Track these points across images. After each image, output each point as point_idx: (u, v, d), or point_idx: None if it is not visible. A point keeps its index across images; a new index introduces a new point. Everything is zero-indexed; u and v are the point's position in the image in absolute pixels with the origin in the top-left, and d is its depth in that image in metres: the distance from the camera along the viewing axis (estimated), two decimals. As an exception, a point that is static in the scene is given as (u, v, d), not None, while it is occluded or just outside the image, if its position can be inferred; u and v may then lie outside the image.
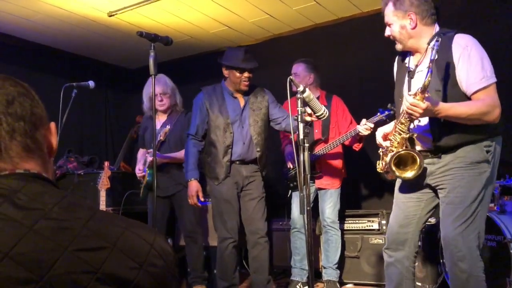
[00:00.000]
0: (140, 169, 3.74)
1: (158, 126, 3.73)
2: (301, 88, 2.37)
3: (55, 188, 0.86)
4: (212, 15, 4.62)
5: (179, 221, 3.94)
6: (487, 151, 2.18)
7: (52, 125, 0.95)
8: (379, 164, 2.43)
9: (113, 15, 4.49)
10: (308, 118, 2.53)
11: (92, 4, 4.29)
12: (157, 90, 3.67)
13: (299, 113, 2.33)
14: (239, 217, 3.30)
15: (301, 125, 2.31)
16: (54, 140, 0.95)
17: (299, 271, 3.81)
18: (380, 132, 2.49)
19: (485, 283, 2.18)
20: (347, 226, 3.99)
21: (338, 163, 3.84)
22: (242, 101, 3.34)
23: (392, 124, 2.49)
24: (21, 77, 0.93)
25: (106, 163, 3.82)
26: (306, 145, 2.30)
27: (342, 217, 3.93)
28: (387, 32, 2.36)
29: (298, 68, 3.84)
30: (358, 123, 3.47)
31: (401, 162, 2.27)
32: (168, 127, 3.69)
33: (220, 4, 4.35)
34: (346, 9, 4.55)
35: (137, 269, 0.78)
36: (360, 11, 4.60)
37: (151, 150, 3.58)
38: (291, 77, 2.40)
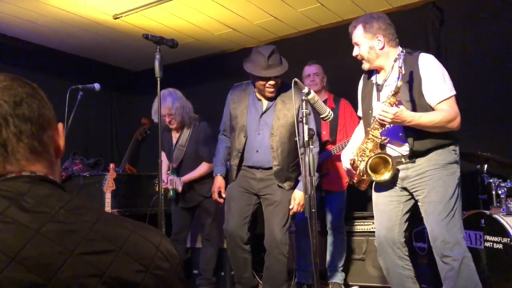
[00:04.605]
0: (164, 181, 3.66)
1: (174, 140, 3.83)
2: (306, 90, 2.38)
3: (62, 191, 0.85)
4: (216, 17, 4.62)
5: (198, 223, 3.98)
6: (455, 153, 2.44)
7: (60, 126, 0.94)
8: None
9: (119, 17, 4.51)
10: None
11: (97, 7, 4.31)
12: (163, 112, 3.60)
13: (304, 114, 2.34)
14: (246, 219, 3.06)
15: (305, 127, 2.31)
16: (62, 141, 0.94)
17: (304, 273, 3.79)
18: (346, 159, 2.66)
19: (476, 273, 2.34)
20: (352, 228, 3.97)
21: (344, 165, 3.82)
22: (265, 104, 3.03)
23: (349, 147, 2.74)
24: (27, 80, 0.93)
25: (112, 165, 3.83)
26: (311, 147, 2.30)
27: (347, 219, 3.91)
28: (355, 51, 2.58)
29: (319, 69, 3.90)
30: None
31: (375, 167, 2.42)
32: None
33: (224, 6, 4.35)
34: (350, 11, 4.54)
35: (143, 272, 0.78)
36: (364, 12, 4.57)
37: (171, 164, 3.81)
38: (295, 79, 2.41)
